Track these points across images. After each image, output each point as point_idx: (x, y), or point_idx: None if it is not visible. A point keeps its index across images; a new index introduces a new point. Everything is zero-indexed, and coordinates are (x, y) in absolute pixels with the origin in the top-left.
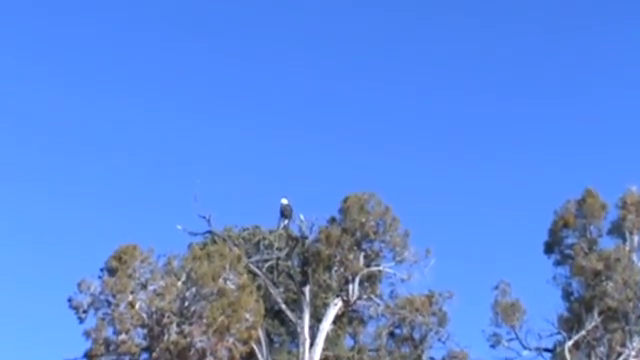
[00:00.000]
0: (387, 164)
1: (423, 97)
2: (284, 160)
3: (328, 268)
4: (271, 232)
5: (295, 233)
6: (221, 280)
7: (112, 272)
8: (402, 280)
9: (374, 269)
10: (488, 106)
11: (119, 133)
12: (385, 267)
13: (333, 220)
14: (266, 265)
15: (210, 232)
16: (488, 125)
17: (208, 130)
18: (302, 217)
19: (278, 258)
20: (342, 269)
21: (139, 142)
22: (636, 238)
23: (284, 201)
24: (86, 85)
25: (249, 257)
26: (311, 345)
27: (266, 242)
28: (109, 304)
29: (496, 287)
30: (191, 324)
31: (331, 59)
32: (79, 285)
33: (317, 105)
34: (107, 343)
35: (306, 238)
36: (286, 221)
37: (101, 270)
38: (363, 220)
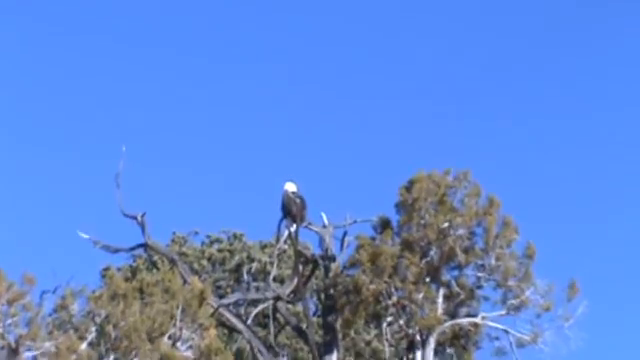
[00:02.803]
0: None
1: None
2: (286, 136)
3: (375, 318)
4: (265, 247)
5: (310, 249)
6: (166, 340)
7: None
8: (521, 344)
9: (465, 321)
10: None
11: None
12: (488, 317)
13: (385, 224)
14: (255, 311)
15: (146, 246)
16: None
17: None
18: (326, 218)
19: (278, 298)
20: (402, 320)
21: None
22: None
23: (289, 187)
24: None
25: (222, 295)
26: None
27: (255, 266)
28: None
29: None
30: None
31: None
32: None
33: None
34: None
35: (333, 259)
36: (294, 225)
37: None
38: (444, 224)
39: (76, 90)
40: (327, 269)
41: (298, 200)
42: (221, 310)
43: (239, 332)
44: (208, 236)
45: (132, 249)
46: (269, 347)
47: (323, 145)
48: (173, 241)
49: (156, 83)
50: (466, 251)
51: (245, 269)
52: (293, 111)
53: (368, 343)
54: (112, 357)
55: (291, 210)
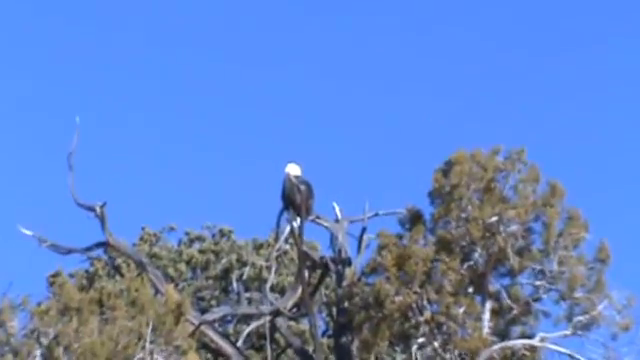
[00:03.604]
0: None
1: None
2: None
3: (402, 339)
4: (260, 247)
5: (319, 250)
6: None
7: None
8: None
9: (518, 343)
10: None
11: None
12: (548, 338)
13: (415, 218)
14: (247, 330)
15: (106, 246)
16: None
17: None
18: (338, 210)
19: (277, 313)
20: (437, 341)
21: None
22: None
23: (292, 170)
24: None
25: (205, 309)
26: None
27: (247, 271)
28: None
29: None
30: None
31: None
32: None
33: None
34: None
35: (347, 263)
36: (297, 219)
37: None
38: (491, 217)
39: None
40: (340, 276)
41: (303, 187)
42: (204, 328)
43: (227, 357)
44: (187, 233)
45: (89, 249)
46: None
47: (332, 118)
48: (142, 239)
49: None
50: (520, 253)
51: (235, 275)
52: (291, 82)
53: None
54: None
55: (294, 200)
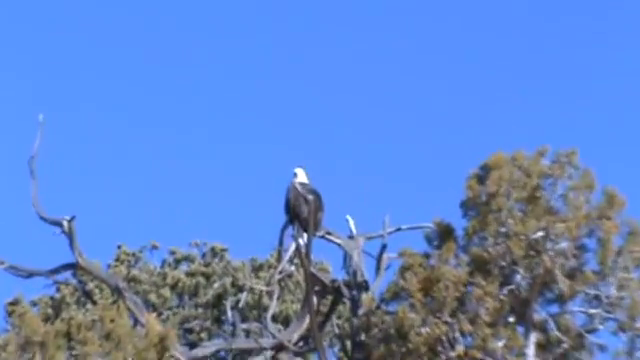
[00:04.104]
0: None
1: None
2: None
3: None
4: (260, 268)
5: (330, 273)
6: None
7: None
8: None
9: None
10: None
11: None
12: None
13: (445, 233)
14: None
15: (76, 268)
16: None
17: None
18: (353, 224)
19: (280, 347)
20: None
21: None
22: None
23: (298, 176)
24: None
25: (193, 343)
26: None
27: (244, 297)
28: None
29: None
30: None
31: None
32: None
33: None
34: None
35: (364, 287)
36: (304, 236)
37: None
38: (536, 232)
39: None
40: (356, 303)
41: (311, 197)
42: None
43: None
44: (172, 252)
45: (54, 272)
46: None
47: (343, 119)
48: (118, 260)
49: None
50: (571, 275)
51: (229, 302)
52: (297, 80)
53: None
54: None
55: (300, 212)
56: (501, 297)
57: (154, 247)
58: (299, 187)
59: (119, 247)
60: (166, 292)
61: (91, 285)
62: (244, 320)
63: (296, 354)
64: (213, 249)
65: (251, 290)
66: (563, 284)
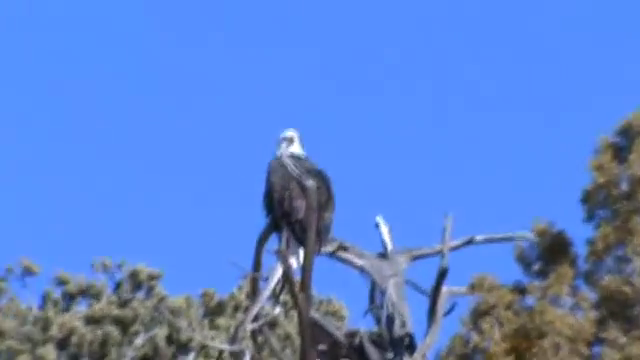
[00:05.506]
0: None
1: None
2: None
3: None
4: (216, 310)
5: (344, 322)
6: None
7: None
8: None
9: None
10: None
11: None
12: None
13: (558, 248)
14: None
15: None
16: None
17: None
18: (386, 230)
19: None
20: None
21: None
22: None
23: (288, 142)
24: None
25: None
26: None
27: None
28: None
29: None
30: None
31: None
32: None
33: None
34: None
35: (408, 345)
36: (300, 251)
37: None
38: None
39: None
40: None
41: (311, 182)
42: None
43: None
44: (60, 280)
45: None
46: None
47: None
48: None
49: None
50: None
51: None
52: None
53: None
54: None
55: (292, 209)
56: None
57: (28, 271)
58: (290, 163)
59: None
60: (49, 353)
61: None
62: None
63: None
64: (135, 274)
65: (203, 350)
66: None
